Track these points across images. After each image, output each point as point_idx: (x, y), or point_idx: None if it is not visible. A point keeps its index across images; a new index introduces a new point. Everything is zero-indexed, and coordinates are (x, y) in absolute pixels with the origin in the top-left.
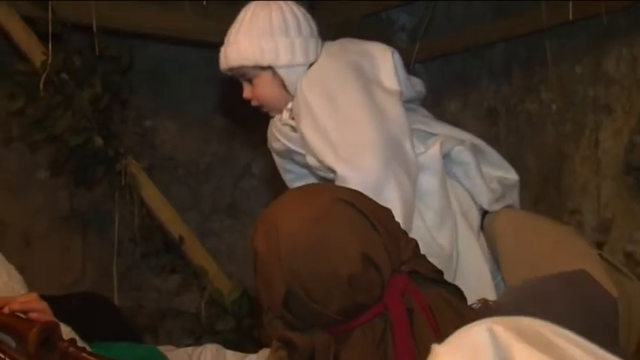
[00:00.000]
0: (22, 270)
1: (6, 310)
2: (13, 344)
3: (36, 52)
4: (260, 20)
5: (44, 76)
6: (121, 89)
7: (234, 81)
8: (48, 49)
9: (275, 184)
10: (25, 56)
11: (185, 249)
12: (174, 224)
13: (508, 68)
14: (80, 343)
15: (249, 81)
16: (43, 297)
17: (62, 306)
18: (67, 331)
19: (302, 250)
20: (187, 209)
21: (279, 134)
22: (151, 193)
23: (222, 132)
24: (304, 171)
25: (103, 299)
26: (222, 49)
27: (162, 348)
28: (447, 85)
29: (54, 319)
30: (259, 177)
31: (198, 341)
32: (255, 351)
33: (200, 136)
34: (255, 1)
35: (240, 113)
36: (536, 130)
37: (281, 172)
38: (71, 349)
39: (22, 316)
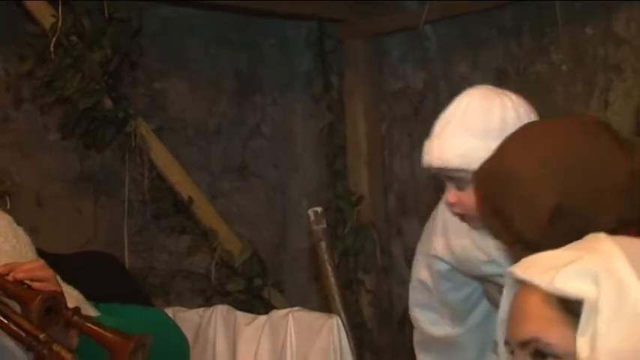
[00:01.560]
0: (33, 231)
1: (10, 277)
2: (19, 309)
3: (46, 14)
4: (476, 115)
5: (54, 38)
6: (130, 51)
7: (243, 43)
8: (58, 11)
9: (283, 144)
10: (35, 19)
11: (195, 210)
12: (184, 185)
13: (518, 29)
14: (87, 306)
15: (458, 185)
16: (53, 255)
17: (71, 264)
18: (74, 295)
19: (572, 163)
20: (197, 170)
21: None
22: (160, 154)
23: (231, 93)
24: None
25: (113, 259)
26: (428, 140)
27: (172, 309)
28: (456, 47)
29: (58, 288)
30: (269, 137)
31: (208, 302)
32: (265, 312)
33: (209, 96)
34: (477, 89)
35: (248, 74)
36: (546, 91)
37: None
38: (75, 317)
39: (28, 283)
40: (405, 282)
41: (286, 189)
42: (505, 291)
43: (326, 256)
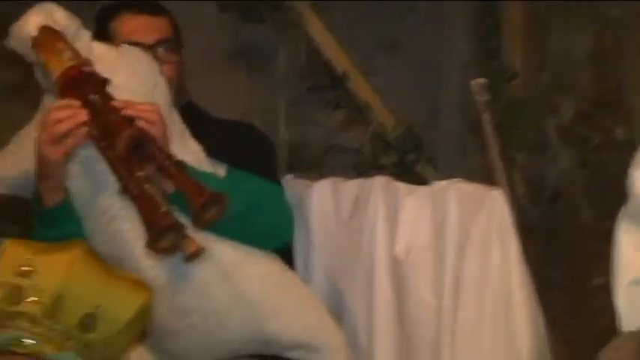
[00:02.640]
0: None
1: (124, 111)
2: None
3: None
4: None
5: None
6: None
7: None
8: None
9: (439, 20)
10: None
11: (350, 85)
12: (339, 60)
13: None
14: (206, 163)
15: None
16: (203, 112)
17: (216, 127)
18: (195, 150)
19: None
20: (350, 47)
21: None
22: (317, 29)
23: None
24: None
25: (255, 131)
26: None
27: (332, 180)
28: None
29: (162, 131)
30: (425, 14)
31: (361, 175)
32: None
33: None
34: None
35: None
36: None
37: None
38: (167, 162)
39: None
40: (556, 160)
41: (438, 67)
42: None
43: (490, 128)
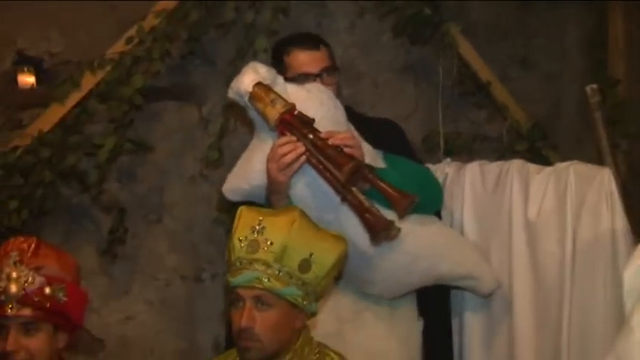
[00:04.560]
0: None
1: (330, 141)
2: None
3: None
4: None
5: None
6: None
7: None
8: None
9: (559, 40)
10: None
11: (491, 90)
12: (483, 72)
13: None
14: (375, 155)
15: None
16: (357, 114)
17: (371, 124)
18: (366, 147)
19: None
20: (489, 62)
21: None
22: (466, 49)
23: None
24: None
25: (398, 127)
26: None
27: (479, 163)
28: None
29: (362, 153)
30: (548, 35)
31: (501, 159)
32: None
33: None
34: None
35: None
36: None
37: None
38: (370, 175)
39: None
40: None
41: (559, 76)
42: None
43: (600, 122)
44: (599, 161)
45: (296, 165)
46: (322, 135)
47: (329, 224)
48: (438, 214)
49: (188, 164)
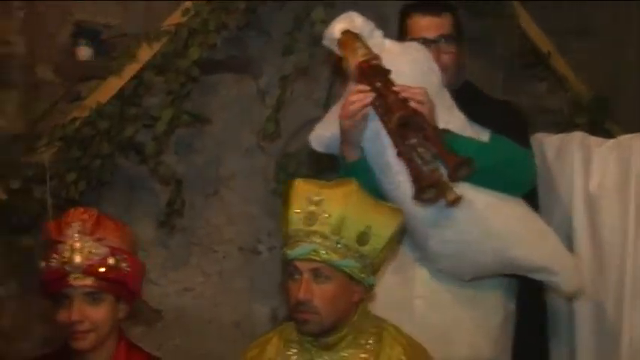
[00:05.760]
0: None
1: (401, 94)
2: None
3: None
4: None
5: None
6: None
7: None
8: None
9: (616, 10)
10: None
11: (551, 62)
12: (544, 43)
13: None
14: (468, 127)
15: None
16: (477, 92)
17: (487, 103)
18: (461, 117)
19: None
20: (548, 33)
21: None
22: (526, 20)
23: None
24: None
25: (514, 111)
26: None
27: (541, 135)
28: None
29: (429, 108)
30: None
31: (562, 131)
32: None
33: None
34: None
35: None
36: None
37: None
38: (432, 132)
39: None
40: None
41: (619, 46)
42: None
43: None
44: None
45: (360, 113)
46: (395, 88)
47: (391, 186)
48: (533, 199)
49: (245, 136)
